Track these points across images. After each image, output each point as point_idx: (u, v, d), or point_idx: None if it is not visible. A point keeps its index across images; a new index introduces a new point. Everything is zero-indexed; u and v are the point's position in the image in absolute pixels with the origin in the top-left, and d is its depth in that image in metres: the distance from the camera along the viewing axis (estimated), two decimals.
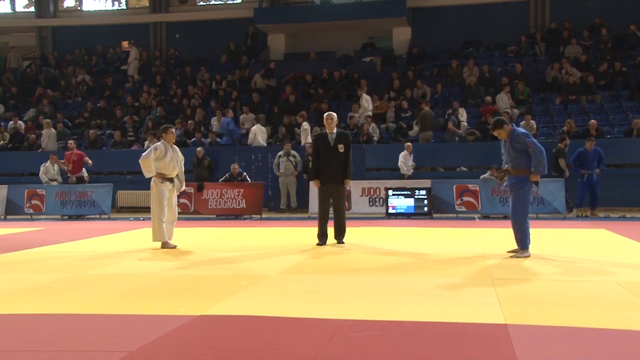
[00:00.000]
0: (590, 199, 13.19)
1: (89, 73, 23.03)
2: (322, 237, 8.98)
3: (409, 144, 15.11)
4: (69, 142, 16.06)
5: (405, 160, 14.86)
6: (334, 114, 9.13)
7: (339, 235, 9.08)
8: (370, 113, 17.31)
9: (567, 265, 6.94)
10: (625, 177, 13.59)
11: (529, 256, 7.40)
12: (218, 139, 17.36)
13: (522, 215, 7.46)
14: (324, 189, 8.99)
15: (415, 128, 16.59)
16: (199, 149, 16.07)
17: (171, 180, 8.87)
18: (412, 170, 14.93)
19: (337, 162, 8.86)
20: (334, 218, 9.11)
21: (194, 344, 4.01)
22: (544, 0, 21.60)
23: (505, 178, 7.64)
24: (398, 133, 17.04)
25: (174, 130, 9.04)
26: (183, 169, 9.19)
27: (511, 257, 7.44)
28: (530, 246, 7.53)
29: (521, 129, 7.79)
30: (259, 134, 16.86)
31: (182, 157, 9.19)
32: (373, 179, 15.17)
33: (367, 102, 17.38)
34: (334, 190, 8.95)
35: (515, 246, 7.61)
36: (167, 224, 8.91)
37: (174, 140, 9.04)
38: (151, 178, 8.96)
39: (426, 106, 16.51)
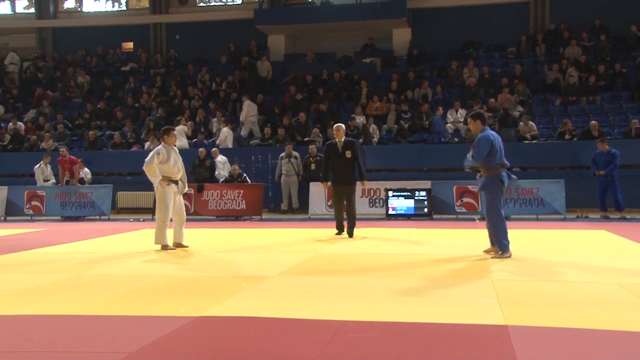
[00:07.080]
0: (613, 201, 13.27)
1: (88, 74, 23.04)
2: (339, 228, 10.23)
3: None
4: (61, 149, 15.92)
5: None
6: (342, 125, 10.43)
7: (350, 228, 10.14)
8: (253, 119, 17.83)
9: (567, 266, 6.93)
10: (624, 178, 13.55)
11: (509, 256, 7.35)
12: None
13: (496, 215, 7.39)
14: (336, 189, 10.29)
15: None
16: (200, 149, 16.04)
17: (177, 182, 8.89)
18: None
19: (346, 166, 10.15)
20: (347, 215, 10.18)
21: (194, 344, 4.02)
22: (544, 1, 21.61)
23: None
24: (398, 134, 17.04)
25: (175, 132, 9.03)
26: (184, 171, 9.20)
27: (492, 257, 7.38)
28: (511, 247, 7.43)
29: (487, 134, 7.38)
30: (229, 136, 17.02)
31: (180, 158, 9.20)
32: (373, 180, 15.14)
33: (246, 108, 17.82)
34: (345, 190, 10.16)
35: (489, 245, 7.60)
36: (176, 227, 8.95)
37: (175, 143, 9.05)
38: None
39: (477, 106, 16.31)
